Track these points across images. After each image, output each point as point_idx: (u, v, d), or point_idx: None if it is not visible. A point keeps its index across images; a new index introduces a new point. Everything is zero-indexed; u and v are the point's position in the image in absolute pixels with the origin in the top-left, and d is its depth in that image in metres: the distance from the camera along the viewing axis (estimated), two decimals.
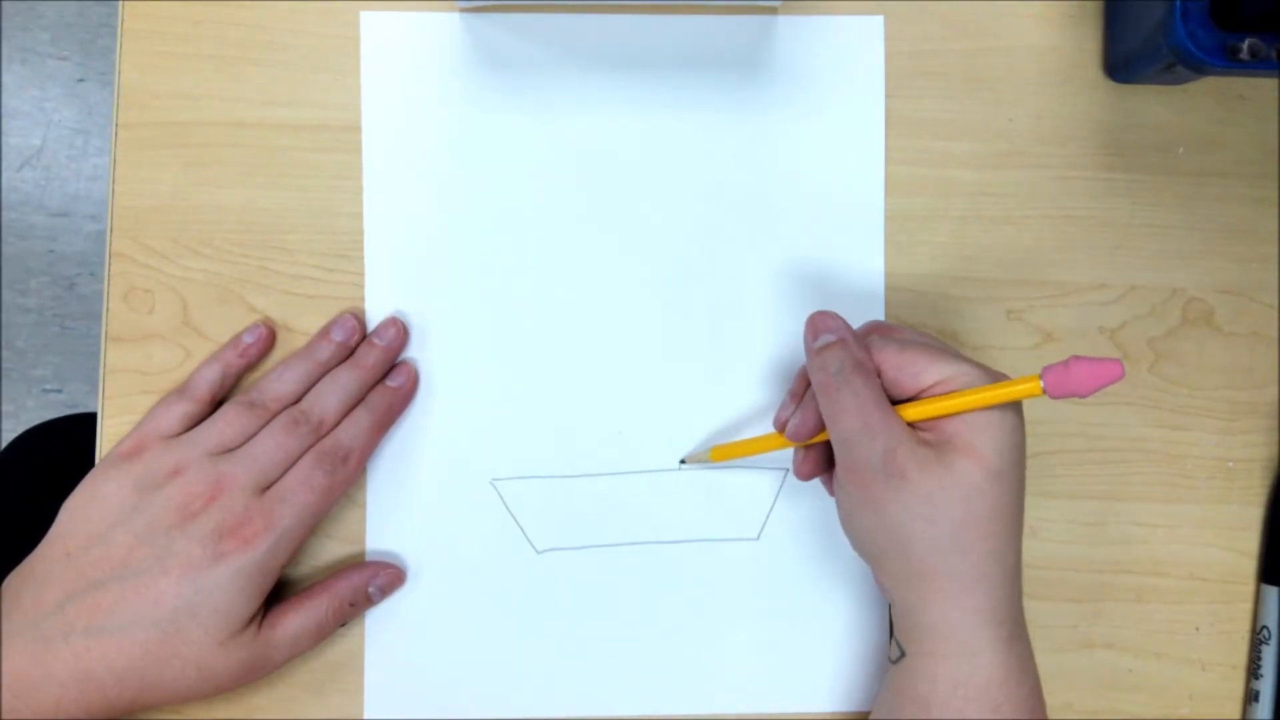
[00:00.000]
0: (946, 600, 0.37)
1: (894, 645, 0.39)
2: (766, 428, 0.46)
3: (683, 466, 0.45)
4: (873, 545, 0.38)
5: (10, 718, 0.38)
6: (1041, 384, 0.35)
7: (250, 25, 0.46)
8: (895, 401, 0.38)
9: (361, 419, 0.43)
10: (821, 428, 0.39)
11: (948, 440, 0.37)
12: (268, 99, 0.46)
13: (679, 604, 0.45)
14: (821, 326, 0.38)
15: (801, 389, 0.41)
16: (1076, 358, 0.35)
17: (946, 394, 0.37)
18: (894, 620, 0.39)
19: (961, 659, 0.37)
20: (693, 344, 0.46)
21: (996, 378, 0.37)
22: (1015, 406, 0.37)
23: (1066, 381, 0.35)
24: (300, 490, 0.41)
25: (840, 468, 0.38)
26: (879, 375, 0.38)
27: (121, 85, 0.46)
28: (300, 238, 0.46)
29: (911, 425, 0.37)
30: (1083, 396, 0.35)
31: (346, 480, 0.43)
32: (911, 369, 0.37)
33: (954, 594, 0.37)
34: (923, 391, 0.37)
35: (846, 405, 0.37)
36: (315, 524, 0.42)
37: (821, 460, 0.41)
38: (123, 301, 0.45)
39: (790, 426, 0.40)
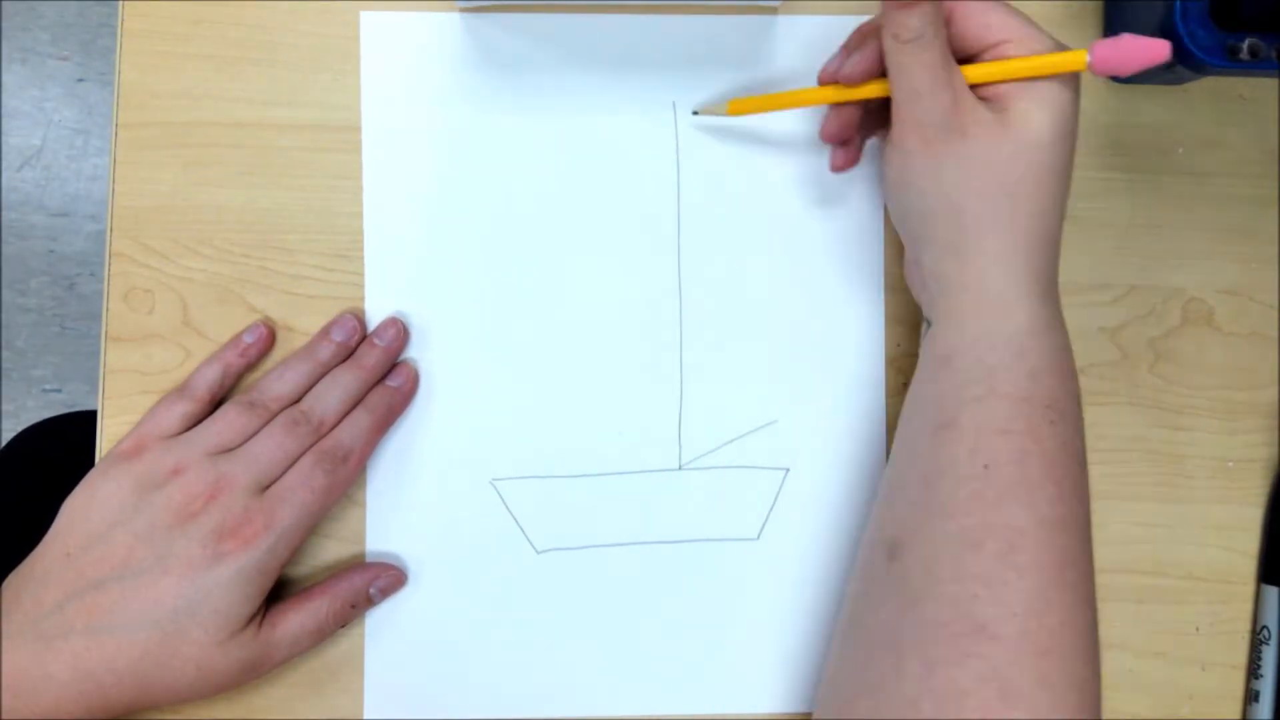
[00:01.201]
0: (986, 259, 0.37)
1: (924, 326, 0.40)
2: (767, 427, 0.46)
3: (695, 115, 0.45)
4: (922, 207, 0.38)
5: (10, 718, 0.38)
6: (1089, 57, 0.36)
7: (250, 25, 0.46)
8: (957, 58, 0.38)
9: (361, 419, 0.43)
10: (873, 75, 0.39)
11: (1005, 103, 0.37)
12: (268, 99, 0.46)
13: (679, 604, 0.45)
14: (908, 21, 0.37)
15: (856, 42, 0.40)
16: (1128, 34, 0.36)
17: (1003, 59, 0.37)
18: (923, 300, 0.40)
19: (991, 310, 0.37)
20: (693, 343, 0.46)
21: (1058, 46, 0.38)
22: (1072, 81, 0.38)
23: (1113, 56, 0.36)
24: (300, 490, 0.41)
25: (899, 126, 0.38)
26: (948, 24, 0.38)
27: (121, 85, 0.46)
28: (300, 238, 0.46)
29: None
30: (1123, 75, 0.36)
31: (346, 480, 0.43)
32: (981, 19, 0.38)
33: (997, 252, 0.37)
34: (986, 49, 0.38)
35: (918, 60, 0.37)
36: (315, 524, 0.42)
37: (849, 121, 0.42)
38: (123, 301, 0.45)
39: (846, 67, 0.39)
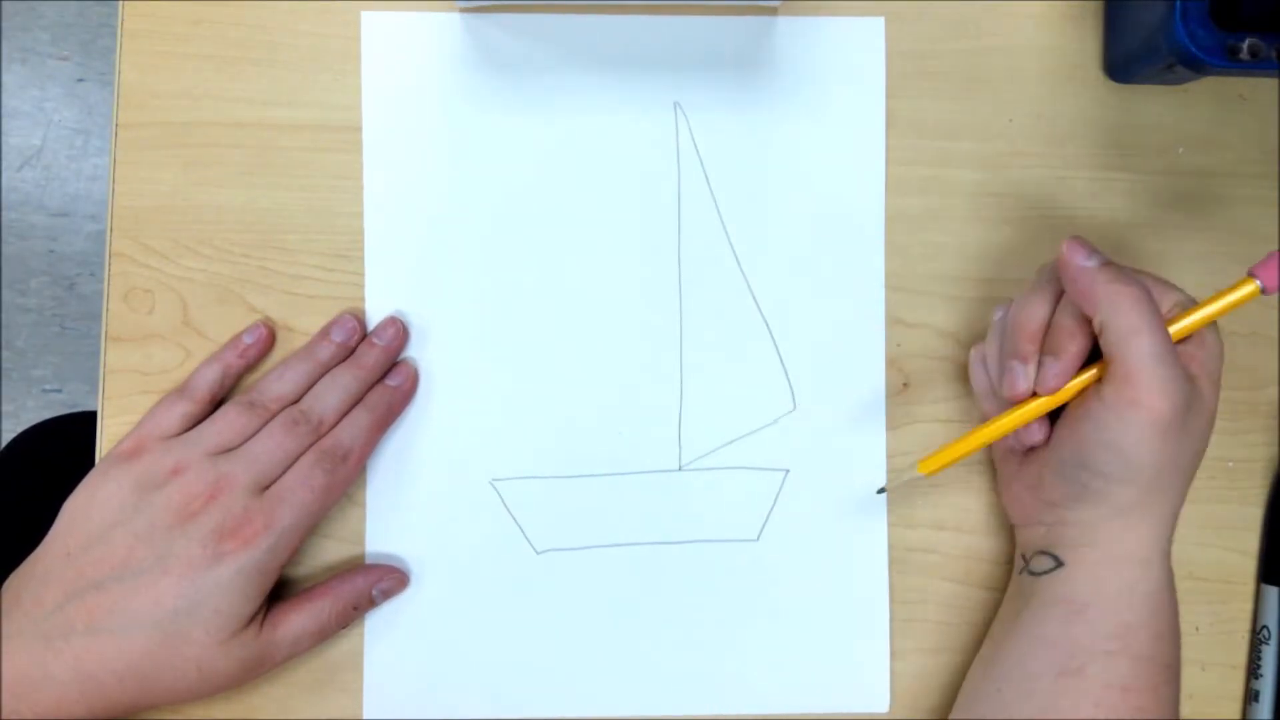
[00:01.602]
0: (1151, 518, 0.39)
1: (1037, 559, 0.41)
2: (767, 427, 0.46)
3: (880, 493, 0.45)
4: (1100, 459, 0.38)
5: (10, 717, 0.38)
6: (1258, 278, 0.38)
7: (250, 25, 0.46)
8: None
9: (361, 418, 0.43)
10: (1074, 373, 0.39)
11: (1190, 374, 0.38)
12: (268, 99, 0.46)
13: (679, 604, 0.45)
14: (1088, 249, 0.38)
15: (1028, 350, 0.40)
16: (1273, 253, 0.37)
17: (1182, 311, 0.39)
18: (1040, 537, 0.41)
19: (1133, 566, 0.39)
20: (693, 343, 0.46)
21: (1186, 298, 0.39)
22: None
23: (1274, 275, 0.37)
24: (300, 489, 0.41)
25: (1108, 369, 0.38)
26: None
27: (121, 85, 0.46)
28: (300, 238, 0.46)
29: None
30: None
31: (346, 480, 0.43)
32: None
33: (1161, 513, 0.39)
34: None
35: (1127, 299, 0.37)
36: (315, 523, 0.42)
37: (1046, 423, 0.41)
38: (123, 301, 0.45)
39: (1051, 377, 0.39)
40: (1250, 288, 0.38)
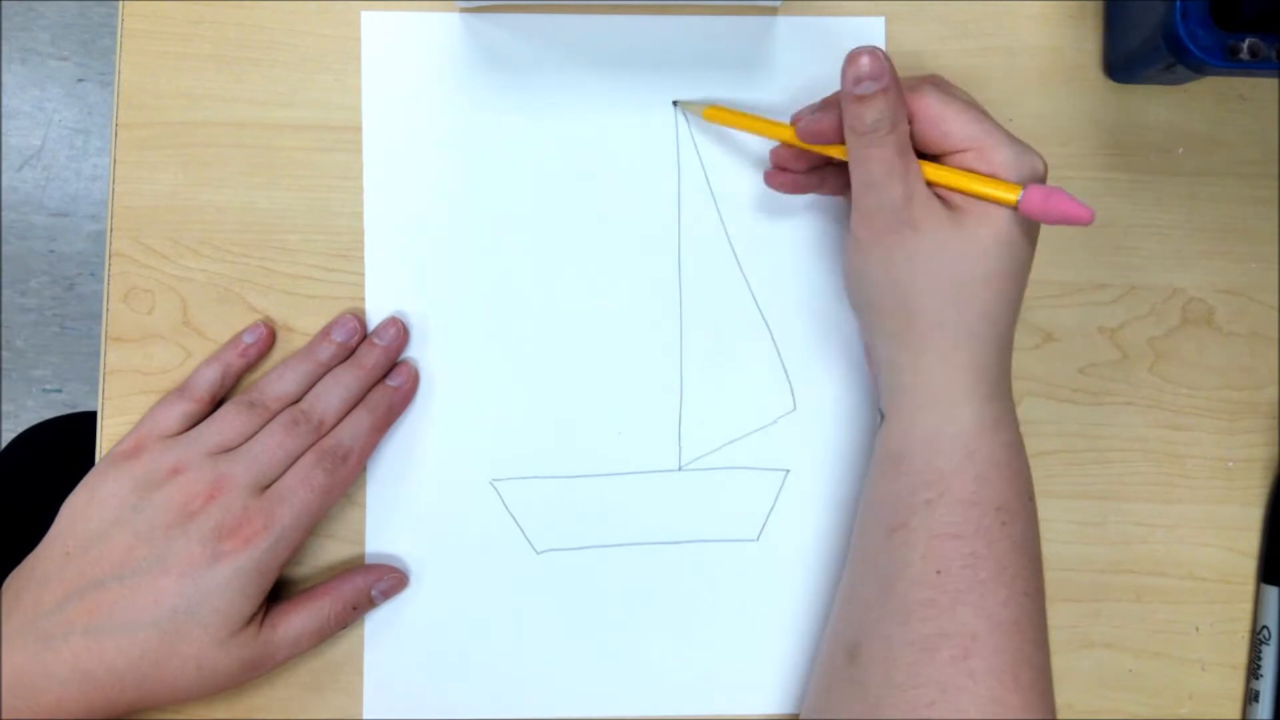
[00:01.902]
0: (933, 355, 0.38)
1: (878, 416, 0.40)
2: (767, 428, 0.46)
3: (676, 106, 0.45)
4: (874, 297, 0.39)
5: (10, 717, 0.38)
6: (1018, 197, 0.36)
7: (250, 25, 0.46)
8: (920, 155, 0.38)
9: (362, 419, 0.43)
10: (831, 138, 0.39)
11: (960, 204, 0.38)
12: (268, 99, 0.46)
13: (679, 604, 0.45)
14: (865, 72, 0.36)
15: (827, 103, 0.41)
16: (1061, 191, 0.36)
17: (953, 168, 0.38)
18: (879, 390, 0.40)
19: (937, 409, 0.38)
20: (693, 344, 0.46)
21: (1021, 158, 0.37)
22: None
23: (1040, 206, 0.36)
24: (300, 489, 0.41)
25: (855, 214, 0.39)
26: (910, 121, 0.38)
27: (121, 85, 0.46)
28: (300, 238, 0.46)
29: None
30: (1045, 222, 0.37)
31: (346, 480, 0.43)
32: (943, 126, 0.38)
33: (943, 349, 0.38)
34: (945, 154, 0.38)
35: (873, 152, 0.37)
36: (315, 523, 0.42)
37: (798, 159, 0.42)
38: (123, 301, 0.45)
39: (803, 124, 0.40)
40: (1011, 196, 0.37)
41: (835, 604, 0.42)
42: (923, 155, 0.38)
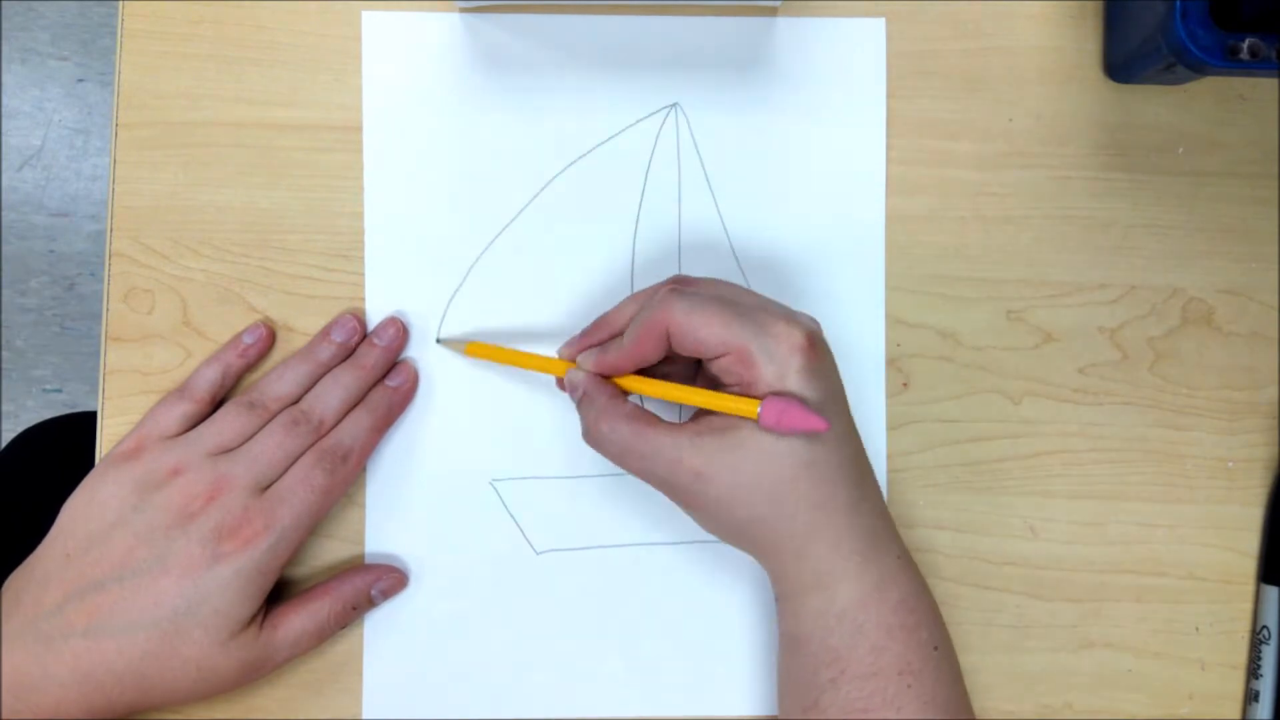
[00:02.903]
0: (789, 554, 0.38)
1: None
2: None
3: (438, 343, 0.45)
4: (719, 532, 0.40)
5: (10, 718, 0.38)
6: (759, 410, 0.36)
7: (250, 25, 0.46)
8: (681, 360, 0.40)
9: (362, 419, 0.43)
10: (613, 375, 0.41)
11: (731, 419, 0.37)
12: (268, 99, 0.46)
13: (679, 605, 0.45)
14: (569, 384, 0.41)
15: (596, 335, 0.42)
16: (796, 404, 0.35)
17: (692, 389, 0.38)
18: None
19: (817, 593, 0.38)
20: None
21: (776, 351, 0.36)
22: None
23: (778, 418, 0.36)
24: (300, 489, 0.41)
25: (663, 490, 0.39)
26: (668, 332, 0.38)
27: (121, 85, 0.46)
28: (300, 238, 0.46)
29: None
30: (781, 432, 0.36)
31: (346, 480, 0.43)
32: (695, 335, 0.37)
33: (795, 547, 0.38)
34: (709, 358, 0.38)
35: (616, 451, 0.39)
36: (315, 524, 0.42)
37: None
38: (123, 301, 0.45)
39: (569, 378, 0.41)
40: (751, 410, 0.36)
41: None
42: (686, 361, 0.40)
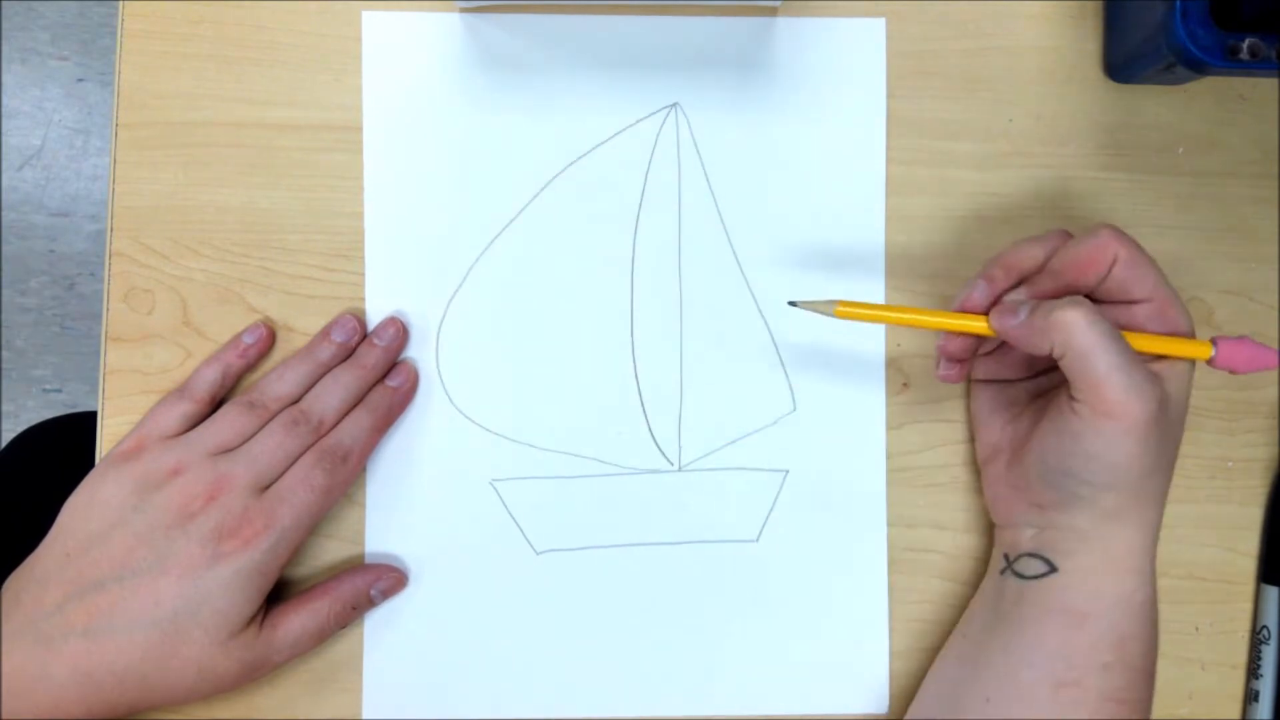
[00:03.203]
0: (1138, 525, 0.39)
1: (1025, 561, 0.41)
2: (767, 428, 0.46)
3: (792, 306, 0.42)
4: (1080, 467, 0.38)
5: (10, 718, 0.38)
6: (1212, 352, 0.39)
7: (250, 25, 0.46)
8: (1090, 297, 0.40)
9: (362, 419, 0.43)
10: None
11: (1157, 368, 0.39)
12: (268, 99, 0.46)
13: (678, 605, 0.45)
14: (1010, 309, 0.39)
15: (997, 275, 0.40)
16: (1249, 339, 0.39)
17: (1135, 327, 0.39)
18: (1028, 539, 0.41)
19: (1130, 575, 0.39)
20: (693, 344, 0.46)
21: (1188, 321, 0.39)
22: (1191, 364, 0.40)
23: (1233, 356, 0.39)
24: (300, 489, 0.41)
25: (1073, 388, 0.38)
26: (1113, 265, 0.39)
27: (121, 85, 0.46)
28: (300, 238, 0.46)
29: None
30: (1237, 373, 0.39)
31: (346, 480, 0.43)
32: (1134, 271, 0.39)
33: (1149, 523, 0.39)
34: (1125, 301, 0.39)
35: (1069, 325, 0.37)
36: (315, 524, 0.42)
37: (970, 345, 0.42)
38: (123, 301, 0.45)
39: (1004, 321, 0.39)
40: (1204, 351, 0.39)
41: None
42: (1093, 298, 0.40)
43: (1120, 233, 0.39)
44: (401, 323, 0.45)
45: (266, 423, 0.42)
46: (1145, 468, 0.37)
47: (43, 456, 0.64)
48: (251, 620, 0.40)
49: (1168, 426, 0.38)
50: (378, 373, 0.44)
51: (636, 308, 0.46)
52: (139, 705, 0.40)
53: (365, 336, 0.45)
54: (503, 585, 0.45)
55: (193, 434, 0.42)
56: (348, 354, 0.45)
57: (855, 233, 0.46)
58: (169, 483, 0.40)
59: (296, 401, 0.43)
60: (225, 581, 0.39)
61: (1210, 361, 0.39)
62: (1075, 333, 0.36)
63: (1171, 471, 0.39)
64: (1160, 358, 0.39)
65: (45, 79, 1.21)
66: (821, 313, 0.41)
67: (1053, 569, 0.40)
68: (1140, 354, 0.38)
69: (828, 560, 0.46)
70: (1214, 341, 0.39)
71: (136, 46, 0.46)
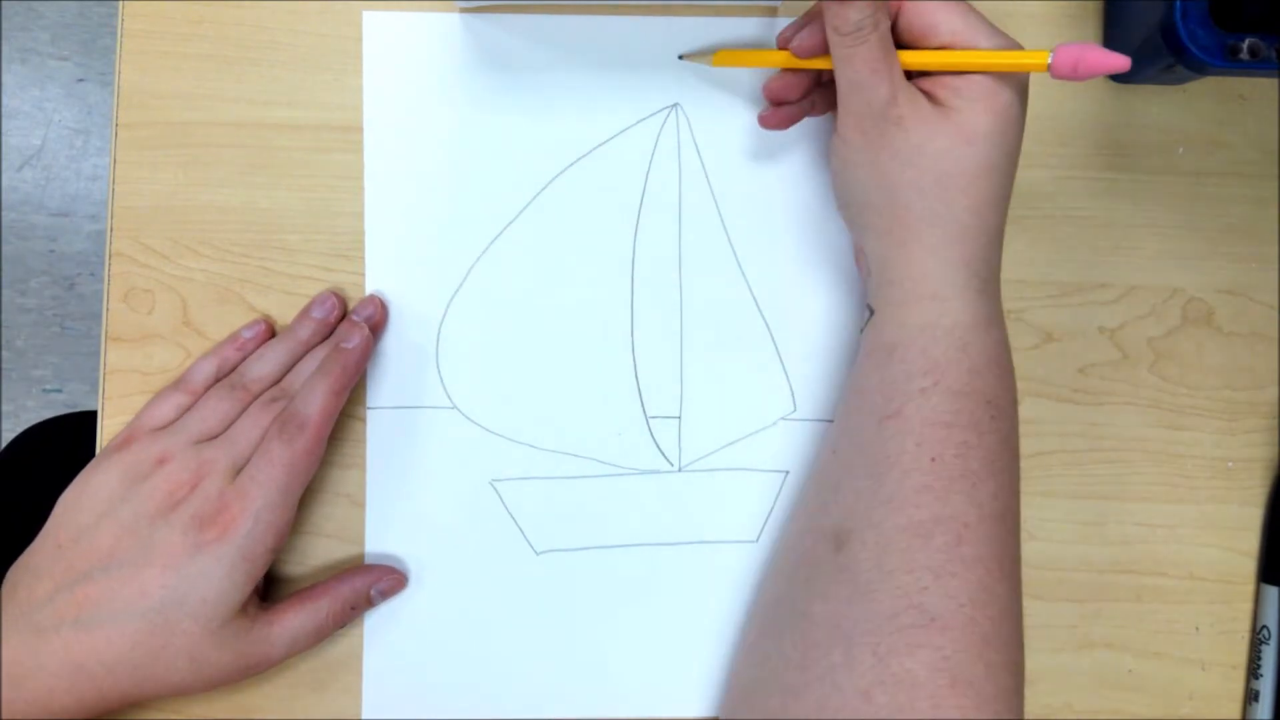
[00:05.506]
0: (923, 249, 0.38)
1: (865, 312, 0.40)
2: (767, 429, 0.46)
3: (681, 59, 0.45)
4: (863, 196, 0.39)
5: (5, 708, 0.38)
6: (1050, 58, 0.36)
7: (250, 25, 0.46)
8: (902, 47, 0.38)
9: (316, 383, 0.42)
10: (822, 50, 0.39)
11: (947, 99, 0.38)
12: (268, 99, 0.46)
13: (679, 606, 0.45)
14: (843, 16, 0.37)
15: (810, 16, 0.41)
16: (1092, 44, 0.36)
17: (949, 49, 0.38)
18: (869, 288, 0.41)
19: (931, 303, 0.38)
20: (693, 344, 0.46)
21: (1010, 46, 0.37)
22: (1015, 81, 0.38)
23: (1071, 61, 0.36)
24: (264, 466, 0.40)
25: (841, 115, 0.39)
26: (894, 18, 0.38)
27: (121, 85, 0.46)
28: (300, 238, 0.46)
29: (914, 77, 0.38)
30: (1079, 80, 0.36)
31: (308, 448, 0.41)
32: (928, 18, 0.38)
33: (932, 243, 0.38)
34: (932, 47, 0.38)
35: (856, 52, 0.37)
36: (291, 500, 0.41)
37: (794, 85, 0.42)
38: (123, 301, 0.45)
39: (796, 42, 0.40)
40: (1040, 60, 0.36)
41: (810, 496, 0.41)
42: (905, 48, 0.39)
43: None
44: (380, 300, 0.45)
45: (248, 405, 0.42)
46: (911, 193, 0.37)
47: (43, 456, 0.64)
48: (243, 609, 0.40)
49: (944, 155, 0.37)
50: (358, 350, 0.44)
51: (637, 308, 0.46)
52: (132, 696, 0.40)
53: (345, 314, 0.45)
54: (503, 585, 0.45)
55: (179, 423, 0.42)
56: (329, 331, 0.44)
57: None
58: (155, 472, 0.40)
59: (279, 382, 0.43)
60: (208, 570, 0.39)
61: (1050, 70, 0.36)
62: (851, 68, 0.37)
63: (980, 210, 0.38)
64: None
65: (45, 79, 1.21)
66: (703, 63, 0.44)
67: (872, 313, 0.40)
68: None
69: None
70: (1052, 49, 0.37)
71: (136, 46, 0.46)
